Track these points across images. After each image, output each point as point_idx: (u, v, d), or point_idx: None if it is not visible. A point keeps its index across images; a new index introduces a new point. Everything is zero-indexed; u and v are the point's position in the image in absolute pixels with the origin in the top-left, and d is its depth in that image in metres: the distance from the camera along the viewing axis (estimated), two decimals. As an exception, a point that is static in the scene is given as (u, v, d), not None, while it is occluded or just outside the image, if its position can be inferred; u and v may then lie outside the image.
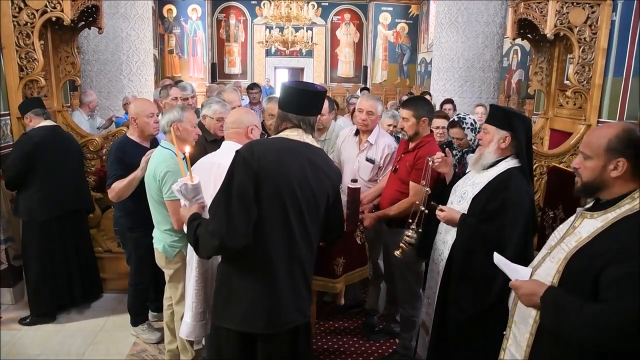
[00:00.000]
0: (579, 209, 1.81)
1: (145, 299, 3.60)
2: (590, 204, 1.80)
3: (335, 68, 15.70)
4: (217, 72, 15.12)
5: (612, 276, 1.54)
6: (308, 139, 2.04)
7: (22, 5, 3.91)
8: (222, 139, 3.26)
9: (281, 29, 12.52)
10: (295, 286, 2.05)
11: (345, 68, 15.76)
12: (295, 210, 1.94)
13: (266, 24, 13.47)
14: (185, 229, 2.58)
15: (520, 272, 1.84)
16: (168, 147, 2.86)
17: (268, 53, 15.09)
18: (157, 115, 3.32)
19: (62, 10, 3.93)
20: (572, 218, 1.83)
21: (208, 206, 2.12)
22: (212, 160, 2.49)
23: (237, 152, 1.93)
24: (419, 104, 3.18)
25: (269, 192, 1.88)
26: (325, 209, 2.09)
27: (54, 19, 3.99)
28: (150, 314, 3.73)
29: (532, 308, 1.76)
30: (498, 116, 2.56)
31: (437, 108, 6.52)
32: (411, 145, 3.24)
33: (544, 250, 1.87)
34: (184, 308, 2.93)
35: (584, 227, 1.71)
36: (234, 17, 15.10)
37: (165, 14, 13.91)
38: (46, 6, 3.92)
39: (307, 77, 15.50)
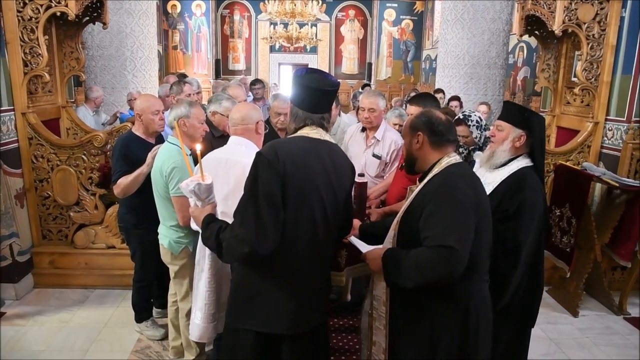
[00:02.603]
0: (409, 187, 2.15)
1: (149, 295, 3.58)
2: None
3: (339, 64, 15.63)
4: (221, 68, 15.08)
5: (422, 220, 1.89)
6: (326, 136, 2.02)
7: (26, 0, 3.89)
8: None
9: (285, 25, 12.47)
10: (317, 286, 2.06)
11: (350, 65, 15.69)
12: (320, 210, 1.93)
13: (270, 20, 13.42)
14: (193, 226, 2.58)
15: (370, 248, 2.14)
16: (175, 143, 2.83)
17: (272, 49, 15.03)
18: (163, 112, 3.30)
19: (66, 5, 3.91)
20: None
21: (218, 205, 2.10)
22: (220, 156, 2.46)
23: (259, 154, 1.88)
24: (428, 100, 3.17)
25: (294, 194, 1.86)
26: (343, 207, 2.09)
27: (58, 14, 3.98)
28: (155, 311, 3.71)
29: (380, 272, 2.01)
30: (514, 113, 2.51)
31: (443, 105, 6.49)
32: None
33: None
34: (188, 305, 2.95)
35: (410, 197, 2.04)
36: (238, 13, 15.05)
37: (170, 10, 13.86)
38: (51, 1, 3.91)
39: (312, 74, 15.42)
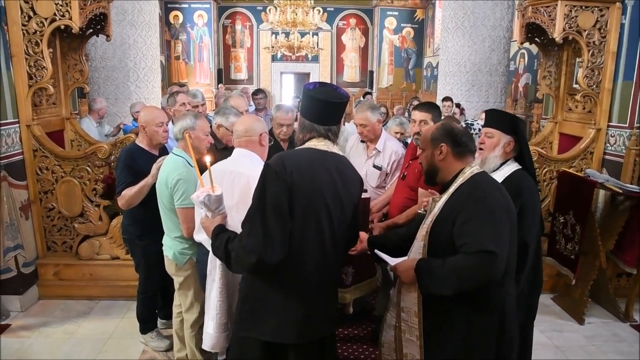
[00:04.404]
0: (430, 199, 2.18)
1: (154, 306, 3.58)
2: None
3: (341, 73, 15.67)
4: (224, 78, 15.14)
5: (456, 227, 1.91)
6: (334, 148, 2.04)
7: (31, 13, 3.93)
8: (233, 147, 3.28)
9: (287, 34, 12.52)
10: (325, 296, 2.07)
11: (351, 73, 15.74)
12: (327, 221, 1.95)
13: (272, 29, 13.49)
14: (196, 237, 2.59)
15: (398, 260, 2.13)
16: (180, 155, 2.86)
17: (274, 58, 15.07)
18: (167, 124, 3.32)
19: (70, 18, 3.94)
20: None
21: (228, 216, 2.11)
22: (224, 168, 2.47)
23: (267, 165, 1.91)
24: (434, 107, 3.24)
25: (302, 205, 1.88)
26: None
27: (62, 27, 4.00)
28: (159, 322, 3.71)
29: (412, 283, 2.02)
30: (502, 120, 2.62)
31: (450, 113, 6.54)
32: (420, 151, 3.22)
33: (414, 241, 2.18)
34: (193, 316, 2.96)
35: (437, 207, 2.07)
36: (239, 23, 15.12)
37: (172, 21, 13.94)
38: (55, 14, 3.94)
39: (313, 82, 15.47)
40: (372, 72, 15.54)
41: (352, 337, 3.74)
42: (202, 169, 2.86)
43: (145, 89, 7.51)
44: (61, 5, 3.92)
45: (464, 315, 1.95)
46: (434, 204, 2.11)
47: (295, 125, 3.81)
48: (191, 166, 2.87)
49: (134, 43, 7.30)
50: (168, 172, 2.81)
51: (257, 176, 2.31)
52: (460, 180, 2.03)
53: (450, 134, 2.07)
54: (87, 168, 4.15)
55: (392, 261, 2.13)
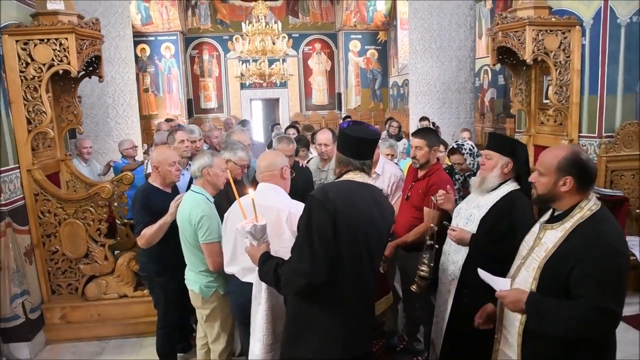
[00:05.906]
0: (540, 222, 2.18)
1: (173, 341, 3.63)
2: (547, 216, 2.18)
3: (309, 96, 16.02)
4: (194, 108, 15.23)
5: (577, 276, 1.89)
6: (369, 180, 2.24)
7: (28, 60, 3.99)
8: (241, 181, 3.43)
9: (255, 62, 12.77)
10: (365, 314, 2.25)
11: (320, 96, 16.11)
12: (366, 246, 2.13)
13: (239, 57, 13.71)
14: (227, 270, 2.72)
15: (502, 283, 2.14)
16: (199, 192, 2.99)
17: (243, 86, 15.27)
18: (178, 163, 3.43)
19: (69, 63, 4.02)
20: (536, 230, 2.18)
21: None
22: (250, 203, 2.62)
23: (312, 196, 2.09)
24: (430, 133, 3.44)
25: (344, 231, 2.05)
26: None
27: (60, 71, 4.08)
28: (178, 356, 3.76)
29: (518, 313, 2.07)
30: (500, 143, 2.84)
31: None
32: (421, 173, 3.46)
33: (517, 261, 2.22)
34: (220, 346, 3.06)
35: (548, 237, 2.06)
36: (207, 53, 15.31)
37: (139, 54, 14.01)
38: (53, 59, 4.01)
39: (283, 107, 15.77)
40: (340, 94, 15.95)
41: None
42: (219, 203, 3.01)
43: (124, 125, 7.56)
44: (59, 51, 4.00)
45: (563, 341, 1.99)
46: (543, 231, 2.10)
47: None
48: (210, 202, 3.02)
49: (111, 80, 7.34)
50: (190, 209, 2.93)
51: (285, 209, 2.53)
52: (577, 216, 2.00)
53: (579, 166, 1.99)
54: (91, 209, 4.19)
55: (497, 286, 2.12)
